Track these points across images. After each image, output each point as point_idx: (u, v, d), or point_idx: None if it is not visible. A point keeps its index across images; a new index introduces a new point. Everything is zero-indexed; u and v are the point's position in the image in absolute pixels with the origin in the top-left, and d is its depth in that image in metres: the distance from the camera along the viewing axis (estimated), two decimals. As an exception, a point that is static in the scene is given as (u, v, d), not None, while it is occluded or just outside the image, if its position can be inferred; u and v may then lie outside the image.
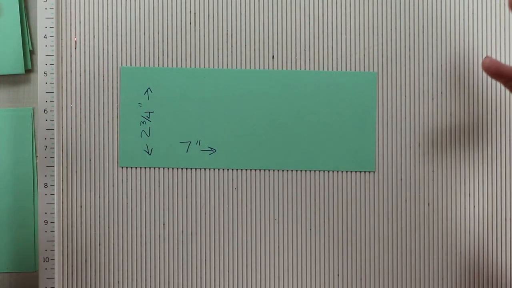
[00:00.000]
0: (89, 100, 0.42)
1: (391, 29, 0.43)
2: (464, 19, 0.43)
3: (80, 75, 0.42)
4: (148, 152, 0.41)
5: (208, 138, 0.41)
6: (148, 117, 0.41)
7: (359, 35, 0.43)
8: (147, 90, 0.41)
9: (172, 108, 0.41)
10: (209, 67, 0.42)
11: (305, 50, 0.42)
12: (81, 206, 0.42)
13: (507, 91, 0.43)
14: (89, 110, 0.42)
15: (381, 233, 0.42)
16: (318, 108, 0.42)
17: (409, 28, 0.43)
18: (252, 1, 0.42)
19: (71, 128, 0.42)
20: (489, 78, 0.42)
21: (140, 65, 0.42)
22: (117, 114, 0.42)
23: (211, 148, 0.41)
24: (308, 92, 0.42)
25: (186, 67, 0.42)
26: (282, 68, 0.42)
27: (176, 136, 0.41)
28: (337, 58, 0.42)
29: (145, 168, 0.42)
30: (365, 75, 0.42)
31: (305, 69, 0.42)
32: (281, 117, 0.42)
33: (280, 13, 0.42)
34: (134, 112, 0.41)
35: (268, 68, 0.42)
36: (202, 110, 0.41)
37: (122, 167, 0.42)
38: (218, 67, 0.42)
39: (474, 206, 0.42)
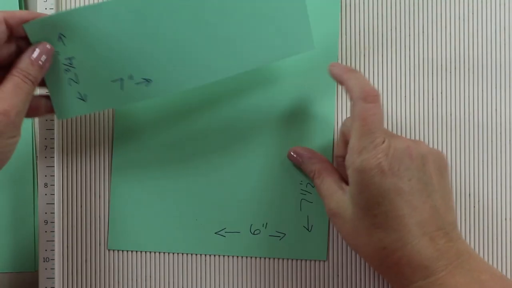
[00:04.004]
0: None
1: (391, 29, 0.43)
2: (464, 19, 0.43)
3: (80, 75, 0.42)
4: (82, 99, 0.38)
5: (140, 69, 0.37)
6: (71, 64, 0.38)
7: (359, 34, 0.43)
8: (59, 37, 0.36)
9: (91, 49, 0.37)
10: None
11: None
12: (81, 206, 0.42)
13: (507, 91, 0.43)
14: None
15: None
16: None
17: (409, 28, 0.43)
18: None
19: (71, 128, 0.42)
20: (489, 78, 0.43)
21: None
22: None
23: (146, 79, 0.38)
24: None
25: None
26: None
27: (106, 76, 0.37)
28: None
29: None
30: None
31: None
32: (204, 22, 0.37)
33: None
34: (54, 62, 0.37)
35: None
36: (125, 42, 0.37)
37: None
38: None
39: (474, 206, 0.42)
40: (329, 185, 0.37)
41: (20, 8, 0.42)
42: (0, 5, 0.42)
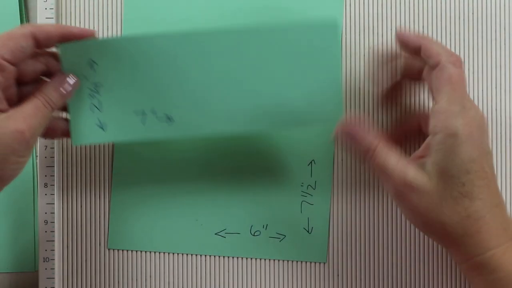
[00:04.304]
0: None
1: (391, 29, 0.43)
2: (464, 19, 0.43)
3: (80, 75, 0.42)
4: (102, 128, 0.38)
5: (163, 105, 0.38)
6: (97, 91, 0.38)
7: (359, 34, 0.43)
8: (91, 63, 0.37)
9: (120, 78, 0.37)
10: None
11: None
12: (81, 206, 0.42)
13: (507, 91, 0.43)
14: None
15: (381, 232, 0.42)
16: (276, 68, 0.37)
17: (409, 28, 0.43)
18: None
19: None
20: (489, 79, 0.43)
21: None
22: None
23: (167, 116, 0.38)
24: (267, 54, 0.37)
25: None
26: None
27: (129, 106, 0.38)
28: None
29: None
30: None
31: None
32: (235, 75, 0.37)
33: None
34: (80, 86, 0.38)
35: None
36: (155, 76, 0.37)
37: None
38: None
39: (474, 206, 0.42)
40: (398, 158, 0.35)
41: (20, 8, 0.42)
42: (0, 5, 0.42)
